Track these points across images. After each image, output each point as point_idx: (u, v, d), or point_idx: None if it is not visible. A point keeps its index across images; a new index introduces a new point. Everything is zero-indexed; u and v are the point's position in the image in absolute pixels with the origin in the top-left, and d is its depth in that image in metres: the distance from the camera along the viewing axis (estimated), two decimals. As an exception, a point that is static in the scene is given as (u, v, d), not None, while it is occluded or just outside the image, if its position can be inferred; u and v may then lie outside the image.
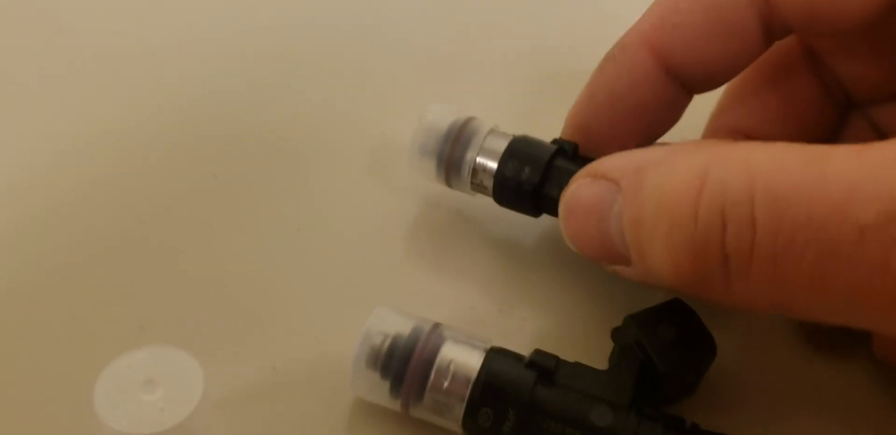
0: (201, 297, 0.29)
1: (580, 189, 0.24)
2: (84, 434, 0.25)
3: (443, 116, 0.31)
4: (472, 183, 0.31)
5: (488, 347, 0.25)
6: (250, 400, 0.26)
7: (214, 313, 0.29)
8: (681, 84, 0.27)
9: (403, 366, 0.24)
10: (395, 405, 0.25)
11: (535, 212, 0.30)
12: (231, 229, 0.31)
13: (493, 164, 0.30)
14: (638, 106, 0.27)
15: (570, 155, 0.29)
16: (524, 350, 0.25)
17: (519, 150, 0.30)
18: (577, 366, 0.25)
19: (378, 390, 0.25)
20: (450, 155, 0.31)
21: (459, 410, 0.24)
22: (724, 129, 0.30)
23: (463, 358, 0.25)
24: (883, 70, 0.28)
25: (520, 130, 0.31)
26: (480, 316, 0.29)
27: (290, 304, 0.29)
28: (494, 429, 0.24)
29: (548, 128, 0.31)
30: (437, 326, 0.25)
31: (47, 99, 0.35)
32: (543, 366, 0.25)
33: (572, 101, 0.29)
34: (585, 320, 0.29)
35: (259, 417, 0.26)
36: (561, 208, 0.25)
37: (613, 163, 0.24)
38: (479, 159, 0.30)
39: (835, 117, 0.30)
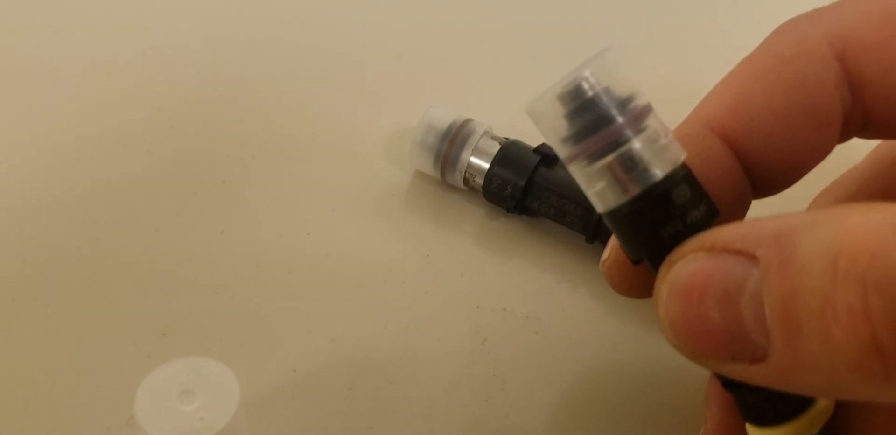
0: (217, 302, 0.31)
1: (694, 265, 0.19)
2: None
3: (443, 116, 0.34)
4: (464, 180, 0.34)
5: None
6: (274, 402, 0.28)
7: (231, 318, 0.30)
8: (750, 182, 0.23)
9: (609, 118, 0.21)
10: (567, 150, 0.22)
11: (518, 211, 0.33)
12: (242, 234, 0.33)
13: (485, 165, 0.33)
14: None
15: (551, 163, 0.33)
16: None
17: (508, 157, 0.33)
18: None
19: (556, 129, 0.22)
20: (447, 152, 0.33)
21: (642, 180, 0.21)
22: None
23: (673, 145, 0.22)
24: None
25: (514, 132, 0.33)
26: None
27: (305, 306, 0.31)
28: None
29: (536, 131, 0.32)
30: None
31: (49, 108, 0.36)
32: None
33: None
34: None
35: (283, 416, 0.27)
36: (662, 290, 0.20)
37: (737, 231, 0.19)
38: (473, 159, 0.33)
39: None
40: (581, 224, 0.32)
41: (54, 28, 0.39)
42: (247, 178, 0.34)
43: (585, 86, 0.21)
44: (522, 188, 0.32)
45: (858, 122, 0.23)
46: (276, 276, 0.32)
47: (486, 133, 0.33)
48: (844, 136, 0.23)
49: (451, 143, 0.33)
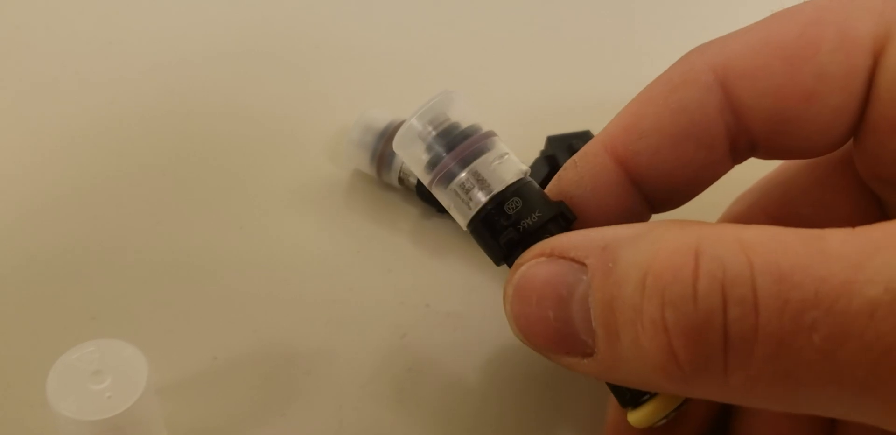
0: (148, 289, 0.32)
1: (534, 269, 0.22)
2: (38, 421, 0.28)
3: (380, 116, 0.35)
4: (399, 179, 0.35)
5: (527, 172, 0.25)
6: (192, 387, 0.29)
7: (161, 305, 0.31)
8: (643, 197, 0.25)
9: (452, 146, 0.24)
10: (425, 178, 0.25)
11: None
12: (178, 225, 0.34)
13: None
14: (597, 215, 0.24)
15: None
16: None
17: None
18: None
19: (416, 160, 0.25)
20: (382, 152, 0.34)
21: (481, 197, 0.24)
22: None
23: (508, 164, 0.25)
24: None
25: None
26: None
27: (232, 297, 0.32)
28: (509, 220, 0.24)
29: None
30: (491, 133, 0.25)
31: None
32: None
33: (499, 110, 0.31)
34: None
35: (200, 402, 0.28)
36: (508, 290, 0.22)
37: (573, 240, 0.21)
38: (407, 159, 0.33)
39: None
40: (508, 225, 0.33)
41: (15, 22, 0.40)
42: (186, 170, 0.35)
43: (434, 122, 0.25)
44: (452, 189, 0.33)
45: (746, 144, 0.24)
46: (205, 266, 0.32)
47: (421, 134, 0.34)
48: (738, 158, 0.25)
49: (387, 142, 0.34)
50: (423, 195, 0.34)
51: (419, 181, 0.34)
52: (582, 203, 0.24)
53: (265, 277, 0.32)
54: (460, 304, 0.32)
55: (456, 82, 0.39)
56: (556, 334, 0.21)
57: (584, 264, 0.21)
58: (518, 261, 0.23)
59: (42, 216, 0.33)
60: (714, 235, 0.19)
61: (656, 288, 0.19)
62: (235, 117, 0.37)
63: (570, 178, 0.25)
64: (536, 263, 0.22)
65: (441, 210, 0.34)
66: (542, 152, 0.34)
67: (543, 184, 0.32)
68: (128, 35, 0.40)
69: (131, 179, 0.35)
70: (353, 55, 0.40)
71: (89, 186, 0.34)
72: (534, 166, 0.33)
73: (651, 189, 0.25)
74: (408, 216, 0.35)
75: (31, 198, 0.34)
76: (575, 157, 0.25)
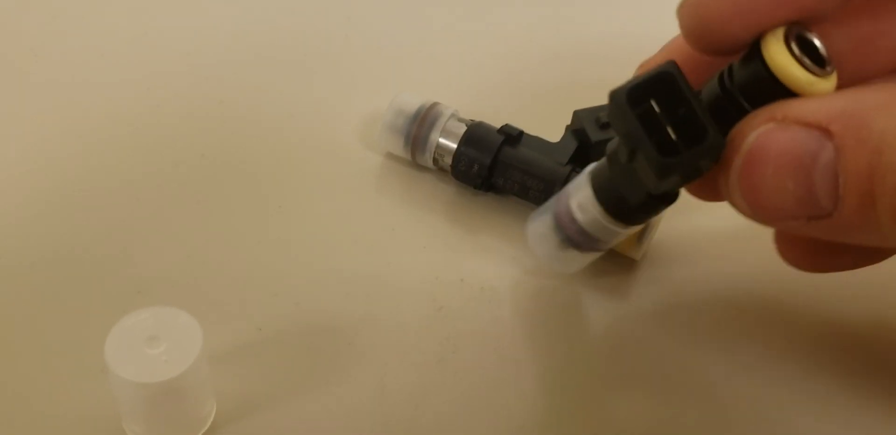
0: (192, 265, 0.33)
1: (769, 137, 0.21)
2: (93, 388, 0.29)
3: (412, 100, 0.36)
4: (434, 160, 0.35)
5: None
6: (238, 358, 0.30)
7: (204, 280, 0.33)
8: None
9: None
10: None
11: (486, 188, 0.35)
12: (219, 206, 0.35)
13: (453, 145, 0.35)
14: None
15: (514, 142, 0.34)
16: None
17: (474, 137, 0.35)
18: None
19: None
20: (416, 134, 0.35)
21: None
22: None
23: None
24: None
25: (478, 114, 0.36)
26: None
27: (274, 273, 0.33)
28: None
29: (499, 113, 0.36)
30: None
31: (40, 82, 0.38)
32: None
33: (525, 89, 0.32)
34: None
35: (246, 372, 0.30)
36: (736, 161, 0.22)
37: (809, 107, 0.21)
38: (441, 140, 0.35)
39: None
40: (544, 199, 0.33)
41: (44, 17, 0.41)
42: (225, 153, 0.36)
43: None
44: (488, 166, 0.34)
45: None
46: (247, 245, 0.33)
47: (452, 115, 0.35)
48: None
49: (419, 125, 0.35)
50: (458, 174, 0.35)
51: (454, 161, 0.34)
52: None
53: (305, 255, 0.33)
54: (494, 278, 0.33)
55: (483, 63, 0.41)
56: (795, 203, 0.21)
57: (827, 131, 0.20)
58: (740, 129, 0.22)
59: (88, 196, 0.35)
60: None
61: None
62: (272, 104, 0.38)
63: None
64: (769, 130, 0.21)
65: (479, 188, 0.35)
66: (569, 127, 0.35)
67: (573, 159, 0.34)
68: (163, 26, 0.41)
69: (175, 164, 0.36)
70: (383, 41, 0.41)
71: (136, 170, 0.36)
72: (562, 141, 0.34)
73: None
74: (441, 196, 0.36)
75: (78, 180, 0.35)
76: None
